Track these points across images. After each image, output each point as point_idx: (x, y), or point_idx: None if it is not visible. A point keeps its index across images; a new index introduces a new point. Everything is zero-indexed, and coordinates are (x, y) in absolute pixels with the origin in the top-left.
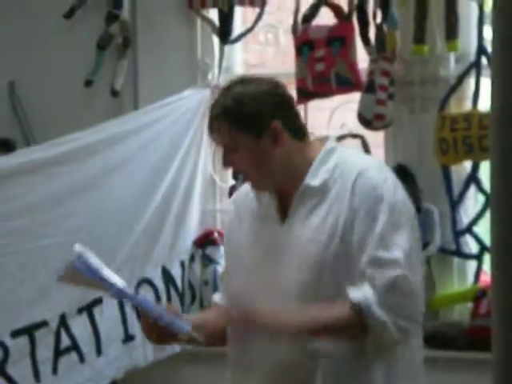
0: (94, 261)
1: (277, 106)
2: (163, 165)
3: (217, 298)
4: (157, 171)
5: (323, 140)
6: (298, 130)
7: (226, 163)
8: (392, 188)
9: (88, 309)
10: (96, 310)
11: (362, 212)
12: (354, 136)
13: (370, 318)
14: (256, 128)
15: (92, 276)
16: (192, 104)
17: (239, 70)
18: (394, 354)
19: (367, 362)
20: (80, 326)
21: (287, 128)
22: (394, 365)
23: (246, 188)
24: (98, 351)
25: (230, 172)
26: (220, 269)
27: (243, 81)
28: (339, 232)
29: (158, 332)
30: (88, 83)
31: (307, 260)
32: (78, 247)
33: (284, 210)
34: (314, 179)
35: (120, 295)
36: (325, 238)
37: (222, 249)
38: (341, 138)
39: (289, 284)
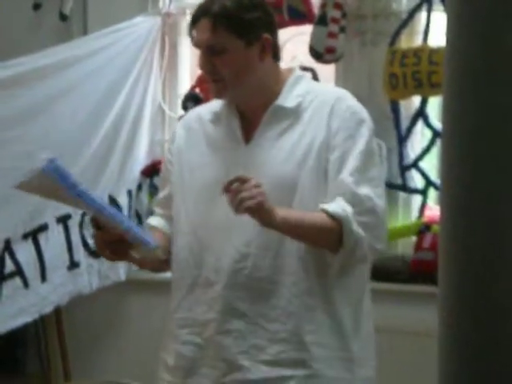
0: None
1: (271, 20)
2: (112, 92)
3: (154, 221)
4: (105, 98)
5: (290, 69)
6: (277, 51)
7: (206, 64)
8: (369, 118)
9: (33, 234)
10: (41, 236)
11: (343, 133)
12: (305, 69)
13: (349, 233)
14: (250, 35)
15: (63, 183)
16: (142, 31)
17: None
18: (352, 275)
19: (326, 282)
20: (25, 252)
21: (272, 45)
22: (346, 285)
23: (196, 114)
24: (43, 277)
25: (179, 101)
26: None
27: None
28: (314, 152)
29: (113, 248)
30: (36, 6)
31: (282, 179)
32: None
33: (246, 131)
34: (286, 101)
35: (92, 205)
36: (299, 157)
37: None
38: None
39: None
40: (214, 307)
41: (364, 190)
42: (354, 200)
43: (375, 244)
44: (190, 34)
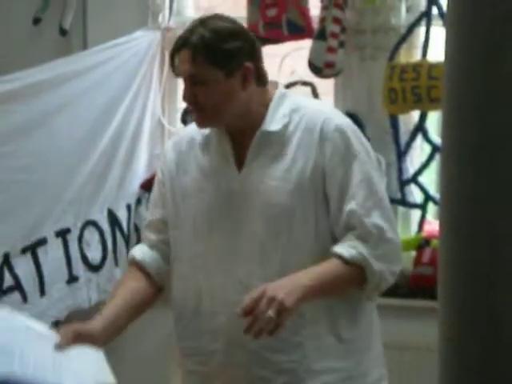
0: None
1: (253, 47)
2: (111, 107)
3: (137, 253)
4: (105, 113)
5: (273, 85)
6: (262, 77)
7: (188, 95)
8: (359, 133)
9: (32, 249)
10: (40, 251)
11: (337, 157)
12: (305, 83)
13: (372, 274)
14: (230, 65)
15: None
16: (142, 46)
17: (190, 13)
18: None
19: (331, 309)
20: (24, 266)
21: (255, 72)
22: (352, 309)
23: (187, 135)
24: (42, 291)
25: (178, 115)
26: None
27: (217, 16)
28: (308, 177)
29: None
30: (36, 21)
31: (276, 207)
32: None
33: (238, 155)
34: (272, 124)
35: None
36: (293, 184)
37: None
38: (291, 85)
39: (252, 235)
40: (219, 338)
41: (373, 218)
42: (366, 233)
43: (394, 268)
44: (172, 65)
